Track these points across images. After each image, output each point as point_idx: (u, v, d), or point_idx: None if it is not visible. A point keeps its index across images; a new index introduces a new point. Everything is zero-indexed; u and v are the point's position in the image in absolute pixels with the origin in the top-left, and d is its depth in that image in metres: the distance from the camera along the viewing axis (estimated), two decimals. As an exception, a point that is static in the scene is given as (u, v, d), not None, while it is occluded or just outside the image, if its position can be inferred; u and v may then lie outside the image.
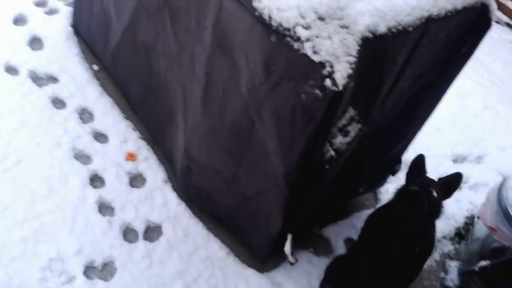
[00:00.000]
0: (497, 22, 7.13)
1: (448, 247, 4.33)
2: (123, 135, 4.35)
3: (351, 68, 2.51)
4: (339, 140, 3.00)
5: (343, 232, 4.27)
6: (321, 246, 4.14)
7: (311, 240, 4.12)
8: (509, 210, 3.64)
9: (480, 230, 4.06)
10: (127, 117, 4.47)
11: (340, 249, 4.15)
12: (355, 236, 4.22)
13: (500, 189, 3.79)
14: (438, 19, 2.87)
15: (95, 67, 4.75)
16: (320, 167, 3.10)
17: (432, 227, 3.58)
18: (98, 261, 3.63)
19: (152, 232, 3.90)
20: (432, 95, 3.64)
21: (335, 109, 2.69)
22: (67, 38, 4.91)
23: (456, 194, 4.57)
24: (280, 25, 2.56)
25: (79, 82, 4.61)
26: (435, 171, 4.41)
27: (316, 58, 2.50)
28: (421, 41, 2.89)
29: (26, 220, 3.67)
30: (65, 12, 5.08)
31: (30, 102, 4.35)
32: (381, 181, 4.32)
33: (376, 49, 2.63)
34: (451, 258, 4.24)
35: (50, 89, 4.49)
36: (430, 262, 4.14)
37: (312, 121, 2.72)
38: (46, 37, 4.88)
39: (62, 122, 4.29)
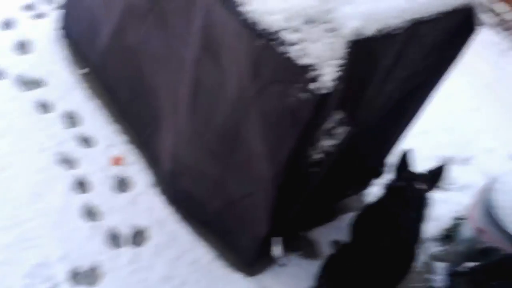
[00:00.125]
0: (485, 24, 7.13)
1: (435, 248, 4.33)
2: (110, 139, 4.32)
3: (339, 71, 2.52)
4: (326, 142, 3.01)
5: (331, 235, 4.26)
6: (308, 249, 4.13)
7: (298, 243, 4.11)
8: (496, 211, 3.65)
9: (467, 231, 4.06)
10: (114, 121, 4.43)
11: (327, 251, 4.13)
12: (342, 238, 4.22)
13: (487, 191, 3.80)
14: (425, 22, 2.89)
15: (83, 71, 4.71)
16: (307, 170, 3.11)
17: (419, 221, 3.65)
18: (83, 266, 3.60)
19: (139, 237, 3.87)
20: (419, 97, 3.66)
21: (322, 111, 2.70)
22: (55, 42, 4.88)
23: (444, 196, 4.61)
24: (267, 28, 2.57)
25: (66, 85, 4.58)
26: (422, 173, 4.41)
27: (303, 61, 2.51)
28: (408, 43, 2.90)
29: (10, 226, 3.64)
30: (53, 16, 5.04)
31: (16, 106, 4.32)
32: (368, 183, 4.31)
33: (363, 52, 2.63)
34: (438, 260, 4.24)
35: (37, 93, 4.46)
36: (417, 264, 4.14)
37: (299, 124, 2.73)
38: (34, 41, 4.86)
39: (49, 126, 4.26)
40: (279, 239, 3.50)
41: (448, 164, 3.83)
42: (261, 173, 3.13)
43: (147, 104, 3.97)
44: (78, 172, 4.06)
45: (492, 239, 3.71)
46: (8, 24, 4.97)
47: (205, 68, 3.14)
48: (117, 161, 4.19)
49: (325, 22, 2.52)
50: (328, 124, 2.89)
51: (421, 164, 3.86)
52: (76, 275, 3.57)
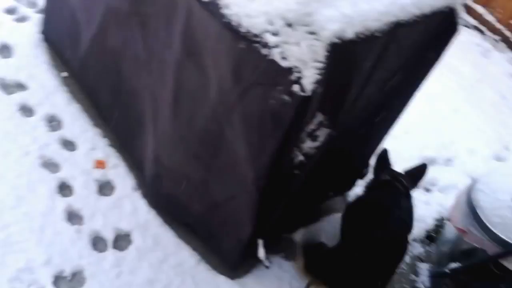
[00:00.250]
0: (466, 26, 7.18)
1: (418, 249, 4.34)
2: (91, 142, 4.30)
3: (319, 74, 2.54)
4: (308, 145, 3.02)
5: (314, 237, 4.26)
6: (291, 251, 4.11)
7: (281, 245, 4.11)
8: (478, 212, 3.67)
9: (450, 232, 4.07)
10: (96, 125, 4.41)
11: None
12: (325, 240, 4.22)
13: (469, 191, 3.82)
14: (405, 24, 2.90)
15: (64, 74, 4.68)
16: (289, 172, 3.11)
17: (409, 212, 3.71)
18: (67, 271, 3.58)
19: (122, 241, 3.85)
20: (400, 99, 3.68)
21: (304, 114, 2.71)
22: (37, 46, 4.85)
23: (426, 197, 4.62)
24: (249, 31, 2.57)
25: (48, 89, 4.56)
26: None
27: (284, 64, 2.51)
28: (388, 46, 2.92)
29: (-7, 230, 3.63)
30: (35, 20, 5.02)
31: (-1, 110, 4.30)
32: (350, 184, 4.33)
33: (344, 54, 2.65)
34: (422, 261, 4.26)
35: (18, 97, 4.42)
36: (401, 265, 4.15)
37: (281, 127, 2.74)
38: (16, 45, 4.82)
39: (30, 130, 4.23)
40: (262, 241, 3.50)
41: (428, 163, 3.87)
42: (244, 175, 3.14)
43: (129, 107, 3.97)
44: (61, 175, 4.04)
45: (475, 240, 3.72)
46: (-10, 28, 4.96)
47: (187, 71, 3.14)
48: (99, 165, 4.17)
49: (305, 25, 2.53)
50: (309, 127, 2.90)
51: (403, 165, 3.89)
52: (60, 280, 3.55)
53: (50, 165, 4.08)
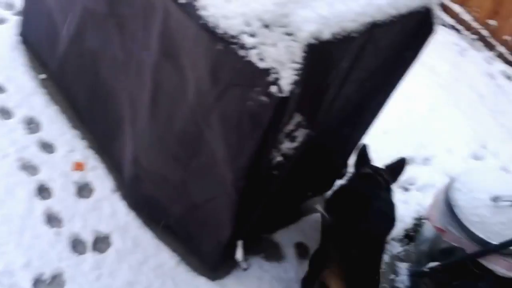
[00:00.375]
0: (443, 25, 7.22)
1: (397, 249, 4.35)
2: (70, 144, 4.29)
3: (297, 74, 2.54)
4: (286, 145, 3.03)
5: (293, 237, 4.28)
6: (271, 251, 4.14)
7: (261, 246, 4.12)
8: (456, 211, 3.68)
9: (428, 231, 4.09)
10: (75, 126, 4.40)
11: (291, 253, 4.16)
12: (305, 240, 4.24)
13: (447, 191, 3.84)
14: (382, 25, 2.91)
15: (42, 76, 4.67)
16: (268, 173, 3.12)
17: (391, 204, 3.76)
18: (47, 273, 3.57)
19: (101, 243, 3.84)
20: (378, 99, 3.69)
21: (282, 115, 2.71)
22: (14, 48, 4.83)
23: (404, 196, 4.65)
24: (226, 33, 2.57)
25: (26, 91, 4.54)
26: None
27: (261, 65, 2.51)
28: (365, 46, 2.93)
29: (-28, 234, 3.61)
30: (13, 22, 5.00)
31: (-25, 113, 4.28)
32: (329, 184, 4.34)
33: (321, 55, 2.65)
34: (401, 260, 4.26)
35: (-4, 99, 4.42)
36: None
37: (259, 128, 2.74)
38: (-7, 47, 4.82)
39: (9, 133, 4.22)
40: (241, 242, 3.51)
41: (407, 159, 3.90)
42: (223, 177, 3.14)
43: (107, 109, 3.96)
44: (39, 178, 4.03)
45: (453, 239, 3.73)
46: (-34, 31, 4.93)
47: (165, 72, 3.14)
48: (78, 167, 4.16)
49: (282, 26, 2.54)
50: (288, 128, 2.91)
51: (381, 164, 3.91)
52: (39, 282, 3.54)
53: (29, 168, 4.07)
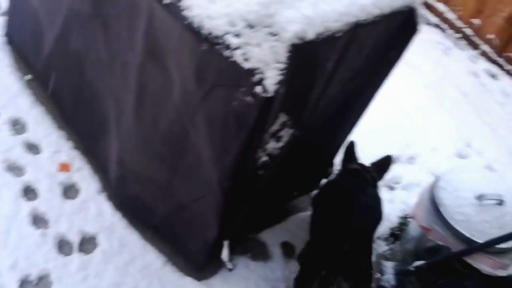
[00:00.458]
0: (428, 24, 7.24)
1: (383, 247, 4.36)
2: (55, 145, 4.28)
3: (281, 74, 2.54)
4: (272, 145, 3.03)
5: (280, 236, 4.28)
6: (258, 251, 4.14)
7: (247, 245, 4.13)
8: (441, 209, 3.70)
9: (414, 230, 4.09)
10: (60, 127, 4.39)
11: (277, 253, 4.17)
12: (291, 239, 4.25)
13: (432, 189, 3.85)
14: (366, 24, 2.92)
15: (28, 77, 4.66)
16: (254, 173, 3.12)
17: (377, 199, 3.80)
18: (33, 275, 3.57)
19: (87, 244, 3.84)
20: (362, 98, 3.70)
21: (267, 115, 2.71)
22: (0, 49, 4.83)
23: (390, 195, 4.66)
24: (211, 33, 2.57)
25: (11, 92, 4.53)
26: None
27: (246, 65, 2.52)
28: (349, 46, 2.94)
29: (-43, 236, 3.60)
30: (-1, 22, 5.01)
31: (-40, 115, 4.27)
32: (315, 183, 4.35)
33: (305, 55, 2.66)
34: (386, 259, 4.27)
35: (-19, 101, 4.41)
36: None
37: (244, 128, 2.74)
38: (-22, 48, 4.81)
39: (-6, 134, 4.22)
40: (227, 242, 3.51)
41: (393, 156, 3.92)
42: (209, 177, 3.14)
43: (93, 110, 3.95)
44: (25, 179, 4.02)
45: (438, 238, 3.75)
46: (-50, 31, 4.91)
47: (150, 73, 3.15)
48: (64, 168, 4.16)
49: (266, 27, 2.55)
50: (273, 127, 2.92)
51: (366, 163, 3.92)
52: (26, 284, 3.54)
53: (15, 169, 4.07)
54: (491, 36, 6.89)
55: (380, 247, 4.35)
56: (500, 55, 6.93)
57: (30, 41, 4.52)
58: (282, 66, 2.54)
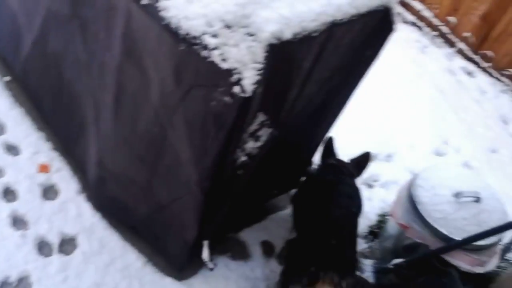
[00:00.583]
0: (404, 22, 7.28)
1: (362, 246, 4.39)
2: (35, 146, 4.28)
3: (259, 75, 2.55)
4: (251, 145, 3.04)
5: (259, 235, 4.30)
6: (237, 250, 4.16)
7: (227, 245, 4.14)
8: (419, 207, 3.73)
9: (392, 228, 4.11)
10: (39, 128, 4.39)
11: (257, 252, 4.19)
12: (271, 238, 4.27)
13: (409, 187, 3.88)
14: (342, 24, 2.94)
15: (7, 78, 4.64)
16: (233, 173, 3.13)
17: (356, 190, 3.82)
18: (13, 276, 3.56)
19: (67, 245, 3.84)
20: (340, 97, 3.72)
21: (245, 115, 2.72)
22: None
23: (368, 193, 4.68)
24: (188, 33, 2.58)
25: (-10, 94, 4.53)
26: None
27: (224, 65, 2.52)
28: (326, 45, 2.96)
29: None
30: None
31: None
32: (294, 182, 4.36)
33: (283, 55, 2.68)
34: (365, 257, 4.29)
35: (-42, 103, 4.39)
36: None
37: (223, 128, 2.75)
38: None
39: (-27, 136, 4.21)
40: (207, 242, 3.52)
41: (371, 153, 3.95)
42: (188, 177, 3.15)
43: (72, 111, 3.95)
44: (4, 180, 4.02)
45: (417, 235, 3.77)
46: None
47: (128, 74, 3.14)
48: (43, 169, 4.15)
49: (244, 27, 2.56)
50: (252, 127, 2.93)
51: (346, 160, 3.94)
52: (6, 285, 3.53)
53: (-6, 170, 4.06)
54: (467, 34, 6.94)
55: (359, 245, 4.37)
56: (476, 53, 6.98)
57: (9, 42, 4.50)
58: (260, 66, 2.55)
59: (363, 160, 3.96)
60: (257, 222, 4.36)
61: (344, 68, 3.36)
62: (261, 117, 2.93)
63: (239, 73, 2.52)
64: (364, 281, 3.48)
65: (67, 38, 3.66)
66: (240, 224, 4.21)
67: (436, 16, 7.22)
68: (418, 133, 5.70)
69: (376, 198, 4.79)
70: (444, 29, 7.17)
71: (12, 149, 4.24)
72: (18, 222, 3.85)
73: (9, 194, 3.98)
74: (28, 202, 3.95)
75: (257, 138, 3.05)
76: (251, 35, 2.55)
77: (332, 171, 3.83)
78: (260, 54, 2.55)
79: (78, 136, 3.96)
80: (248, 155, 3.08)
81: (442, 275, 3.71)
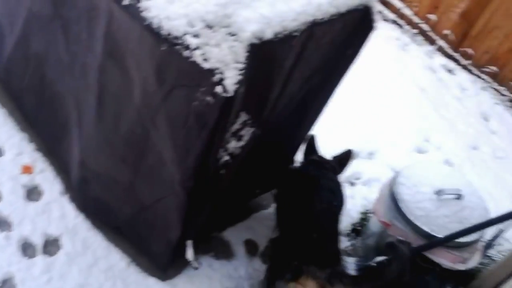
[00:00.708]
0: (385, 20, 7.31)
1: (345, 243, 4.40)
2: (18, 147, 4.26)
3: (241, 74, 2.57)
4: (233, 144, 3.05)
5: (243, 234, 4.31)
6: (221, 250, 4.16)
7: (211, 244, 4.14)
8: (401, 205, 3.75)
9: (374, 225, 4.12)
10: (22, 129, 4.37)
11: (240, 251, 4.20)
12: (254, 237, 4.28)
13: (391, 185, 3.90)
14: (322, 23, 2.96)
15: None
16: (215, 172, 3.14)
17: (338, 184, 3.83)
18: (-4, 278, 3.58)
19: (51, 246, 3.83)
20: (321, 96, 3.74)
21: (227, 114, 2.74)
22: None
23: (350, 191, 4.70)
24: (170, 34, 2.59)
25: (-28, 96, 4.51)
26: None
27: (206, 65, 2.54)
28: (307, 45, 2.97)
29: None
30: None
31: None
32: (277, 181, 4.36)
33: (264, 54, 2.69)
34: (348, 254, 4.30)
35: None
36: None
37: (205, 128, 2.76)
38: None
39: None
40: (191, 242, 3.52)
41: (353, 150, 3.96)
42: (171, 177, 3.15)
43: (54, 111, 3.94)
44: (-13, 182, 4.02)
45: (399, 233, 3.79)
46: None
47: (110, 74, 3.15)
48: (26, 170, 4.14)
49: (225, 27, 2.57)
50: (234, 127, 2.94)
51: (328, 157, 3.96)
52: (-12, 287, 3.54)
53: (-23, 172, 4.05)
54: (447, 31, 6.98)
55: (341, 242, 4.38)
56: (456, 50, 7.02)
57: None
58: (241, 66, 2.56)
59: (345, 158, 3.98)
60: (241, 221, 4.37)
61: (325, 67, 3.38)
62: (243, 117, 2.94)
63: (221, 73, 2.54)
64: (343, 273, 3.48)
65: (49, 39, 3.65)
66: (223, 223, 4.22)
67: (416, 14, 7.25)
68: (400, 130, 5.72)
69: (358, 196, 4.81)
70: (425, 26, 7.20)
71: (-5, 151, 4.23)
72: (1, 223, 3.83)
73: (-8, 196, 3.97)
74: (11, 203, 3.94)
75: (239, 138, 3.05)
76: (233, 35, 2.57)
77: (314, 166, 3.84)
78: (241, 53, 2.57)
79: (62, 137, 3.95)
80: (231, 154, 3.09)
81: (424, 273, 3.74)
